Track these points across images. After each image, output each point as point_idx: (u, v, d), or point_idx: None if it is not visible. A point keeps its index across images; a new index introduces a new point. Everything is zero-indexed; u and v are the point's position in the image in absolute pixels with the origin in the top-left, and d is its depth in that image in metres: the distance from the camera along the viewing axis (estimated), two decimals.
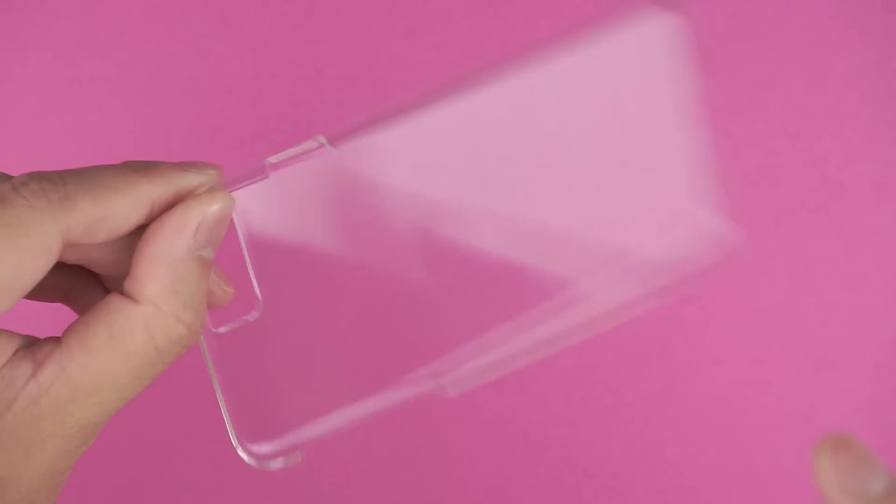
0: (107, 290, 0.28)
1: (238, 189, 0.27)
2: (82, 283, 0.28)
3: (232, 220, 0.27)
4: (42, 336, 0.25)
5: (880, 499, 0.22)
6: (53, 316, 0.29)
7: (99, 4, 0.49)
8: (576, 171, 0.30)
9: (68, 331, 0.25)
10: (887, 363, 0.51)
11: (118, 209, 0.24)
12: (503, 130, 0.29)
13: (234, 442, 0.28)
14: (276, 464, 0.28)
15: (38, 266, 0.23)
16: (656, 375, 0.50)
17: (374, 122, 0.28)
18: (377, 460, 0.48)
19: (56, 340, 0.24)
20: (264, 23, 0.50)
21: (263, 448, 0.28)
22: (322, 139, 0.27)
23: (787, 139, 0.52)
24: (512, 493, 0.49)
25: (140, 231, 0.26)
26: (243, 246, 0.28)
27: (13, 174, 0.24)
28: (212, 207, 0.25)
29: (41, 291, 0.27)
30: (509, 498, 0.49)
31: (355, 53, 0.50)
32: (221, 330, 0.28)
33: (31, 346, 0.24)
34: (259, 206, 0.27)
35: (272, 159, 0.27)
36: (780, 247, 0.51)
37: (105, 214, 0.24)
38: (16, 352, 0.24)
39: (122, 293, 0.25)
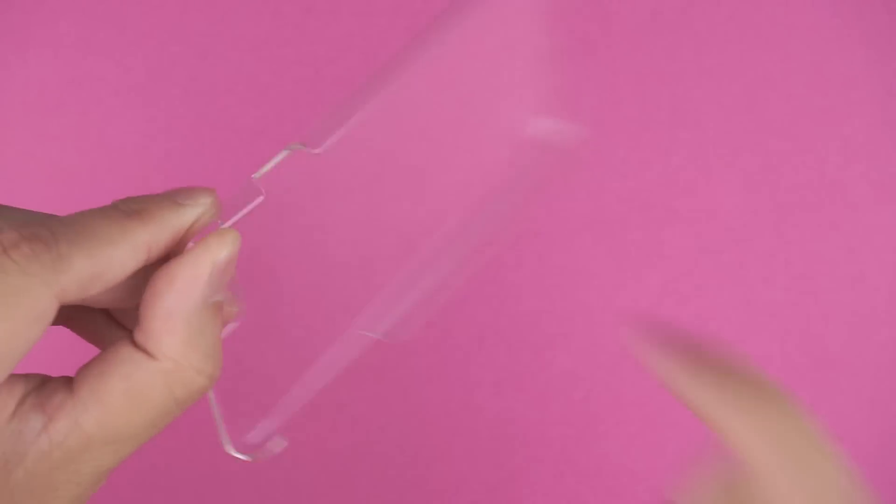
0: (110, 316, 0.27)
1: (239, 218, 0.26)
2: (85, 309, 0.27)
3: None
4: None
5: (716, 370, 0.23)
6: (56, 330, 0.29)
7: (99, 4, 0.49)
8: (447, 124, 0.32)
9: (80, 380, 0.23)
10: (887, 363, 0.51)
11: (113, 262, 0.23)
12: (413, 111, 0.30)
13: (225, 442, 0.28)
14: (263, 453, 0.28)
15: (32, 333, 0.22)
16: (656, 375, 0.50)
17: (341, 113, 0.28)
18: (377, 460, 0.48)
19: (66, 387, 0.23)
20: (264, 23, 0.50)
21: (247, 440, 0.28)
22: (296, 145, 0.27)
23: (787, 139, 0.52)
24: (512, 493, 0.49)
25: (138, 273, 0.24)
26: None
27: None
28: (222, 253, 0.24)
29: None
30: (509, 498, 0.49)
31: (355, 53, 0.50)
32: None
33: (39, 391, 0.23)
34: (248, 223, 0.27)
35: (257, 175, 0.26)
36: (780, 247, 0.51)
37: (100, 270, 0.23)
38: (22, 399, 0.23)
39: (134, 342, 0.24)
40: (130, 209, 0.24)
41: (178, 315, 0.23)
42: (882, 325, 0.51)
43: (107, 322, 0.27)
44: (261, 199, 0.26)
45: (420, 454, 0.49)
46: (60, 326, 0.28)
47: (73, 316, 0.27)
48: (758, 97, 0.52)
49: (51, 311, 0.22)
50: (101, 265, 0.23)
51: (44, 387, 0.23)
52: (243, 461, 0.29)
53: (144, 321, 0.24)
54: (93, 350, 0.26)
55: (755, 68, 0.52)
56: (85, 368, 0.24)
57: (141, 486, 0.48)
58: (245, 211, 0.26)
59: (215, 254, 0.24)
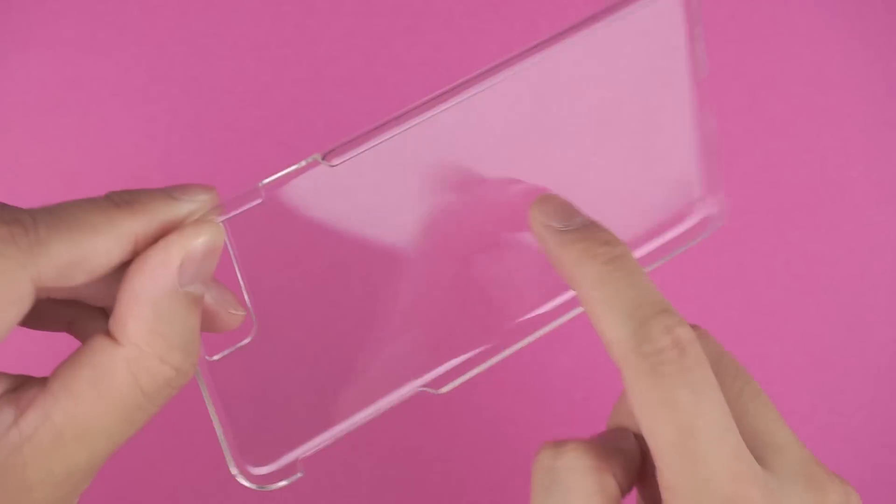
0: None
1: (230, 216, 0.25)
2: (85, 312, 0.27)
3: (226, 246, 0.25)
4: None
5: (581, 227, 0.27)
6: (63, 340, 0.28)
7: (99, 4, 0.49)
8: (578, 165, 0.30)
9: (54, 373, 0.23)
10: (887, 363, 0.51)
11: (96, 250, 0.23)
12: (500, 129, 0.29)
13: (233, 469, 0.27)
14: (277, 485, 0.28)
15: (9, 316, 0.22)
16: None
17: (369, 134, 0.27)
18: (377, 460, 0.48)
19: (42, 383, 0.23)
20: (264, 23, 0.50)
21: (262, 470, 0.28)
22: (317, 156, 0.26)
23: (787, 139, 0.52)
24: (512, 492, 0.49)
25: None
26: (237, 269, 0.26)
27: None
28: (197, 241, 0.24)
29: (43, 322, 0.26)
30: (509, 498, 0.49)
31: (355, 53, 0.50)
32: (216, 358, 0.26)
33: (17, 389, 0.23)
34: (254, 230, 0.26)
35: (266, 181, 0.26)
36: (780, 247, 0.51)
37: (81, 257, 0.22)
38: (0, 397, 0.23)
39: (107, 332, 0.23)
40: (121, 199, 0.24)
41: (144, 299, 0.23)
42: (882, 325, 0.51)
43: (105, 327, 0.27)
44: (258, 202, 0.25)
45: (420, 454, 0.49)
46: (65, 334, 0.28)
47: (74, 320, 0.27)
48: (758, 97, 0.52)
49: (27, 296, 0.22)
50: (82, 252, 0.22)
51: (22, 385, 0.23)
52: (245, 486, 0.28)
53: (115, 305, 0.23)
54: None
55: (755, 68, 0.52)
56: (61, 363, 0.24)
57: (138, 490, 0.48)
58: (238, 211, 0.25)
59: (189, 240, 0.24)
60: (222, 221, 0.25)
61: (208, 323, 0.26)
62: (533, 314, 0.32)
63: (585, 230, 0.27)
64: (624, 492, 0.27)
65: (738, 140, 0.51)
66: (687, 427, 0.24)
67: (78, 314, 0.27)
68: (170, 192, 0.24)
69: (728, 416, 0.25)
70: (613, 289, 0.26)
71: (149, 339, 0.23)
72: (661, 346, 0.24)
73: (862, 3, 0.52)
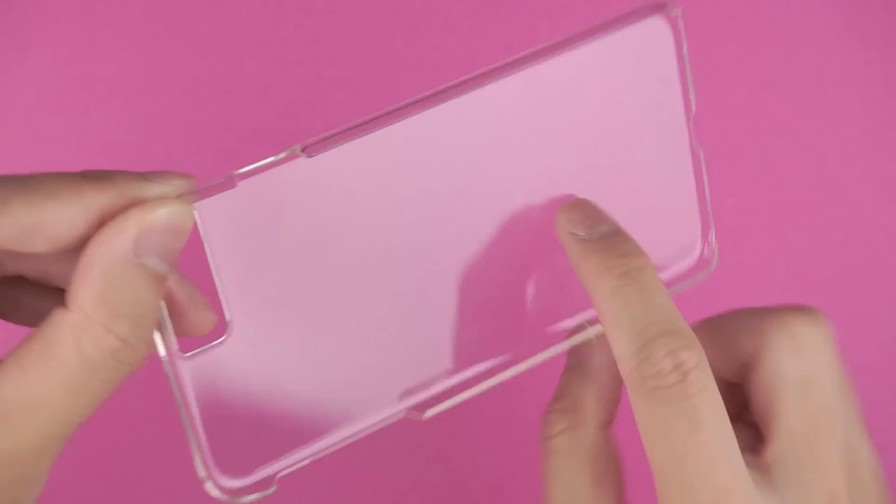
0: None
1: (199, 200, 0.25)
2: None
3: (199, 236, 0.25)
4: None
5: (603, 237, 0.27)
6: None
7: (99, 4, 0.49)
8: (558, 181, 0.29)
9: (12, 350, 0.23)
10: (887, 363, 0.51)
11: (58, 217, 0.23)
12: (489, 134, 0.28)
13: (202, 475, 0.26)
14: (247, 499, 0.27)
15: None
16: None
17: (354, 129, 0.26)
18: (376, 460, 0.48)
19: None
20: (264, 23, 0.50)
21: (234, 483, 0.27)
22: (297, 148, 0.25)
23: (787, 139, 0.52)
24: (512, 493, 0.49)
25: None
26: (212, 264, 0.25)
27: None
28: (156, 212, 0.23)
29: (22, 315, 0.27)
30: (509, 498, 0.49)
31: (355, 53, 0.50)
32: (188, 355, 0.25)
33: None
34: (229, 220, 0.25)
35: (242, 170, 0.25)
36: (780, 247, 0.51)
37: (41, 221, 0.23)
38: None
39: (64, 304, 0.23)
40: (92, 175, 0.24)
41: (96, 264, 0.23)
42: (882, 326, 0.51)
43: None
44: (231, 189, 0.25)
45: (419, 454, 0.49)
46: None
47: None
48: (758, 97, 0.52)
49: None
50: (43, 216, 0.23)
51: None
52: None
53: (73, 274, 0.23)
54: None
55: (755, 68, 0.52)
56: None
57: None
58: (208, 197, 0.25)
59: (148, 213, 0.23)
60: (191, 205, 0.24)
61: (179, 323, 0.26)
62: (533, 335, 0.31)
63: (605, 240, 0.27)
64: (608, 422, 0.28)
65: (738, 140, 0.51)
66: (678, 456, 0.24)
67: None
68: (144, 175, 0.24)
69: (726, 447, 0.24)
70: (623, 304, 0.25)
71: (94, 304, 0.23)
72: (660, 369, 0.24)
73: (862, 3, 0.52)
